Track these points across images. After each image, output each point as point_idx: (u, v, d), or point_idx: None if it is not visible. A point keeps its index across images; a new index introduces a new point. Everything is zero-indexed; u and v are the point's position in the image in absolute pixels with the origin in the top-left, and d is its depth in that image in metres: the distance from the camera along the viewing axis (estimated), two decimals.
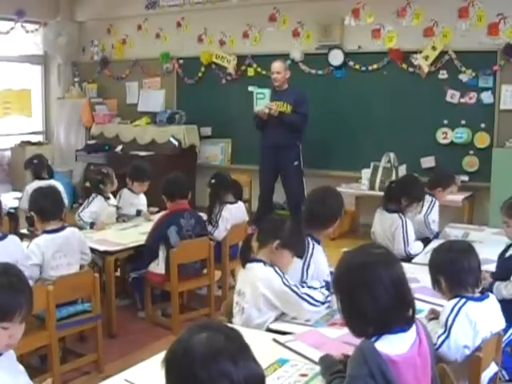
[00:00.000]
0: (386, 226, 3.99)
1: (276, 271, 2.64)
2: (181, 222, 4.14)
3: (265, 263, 2.65)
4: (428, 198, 4.37)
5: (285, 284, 2.61)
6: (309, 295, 2.63)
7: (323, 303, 2.67)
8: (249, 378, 1.26)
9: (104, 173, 4.76)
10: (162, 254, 4.10)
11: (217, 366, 1.25)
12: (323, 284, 2.88)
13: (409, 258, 3.68)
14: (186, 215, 4.20)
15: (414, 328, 1.78)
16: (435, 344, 2.21)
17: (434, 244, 3.87)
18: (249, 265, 2.70)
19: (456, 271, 2.36)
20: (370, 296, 1.71)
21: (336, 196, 3.21)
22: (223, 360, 1.25)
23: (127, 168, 5.05)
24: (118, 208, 4.84)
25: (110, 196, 4.81)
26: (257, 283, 2.61)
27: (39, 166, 5.41)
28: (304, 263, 2.89)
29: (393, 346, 1.71)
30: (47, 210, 3.47)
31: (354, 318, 1.78)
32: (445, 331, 2.28)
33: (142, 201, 5.02)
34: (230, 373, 1.24)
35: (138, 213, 4.88)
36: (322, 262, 2.98)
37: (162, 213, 4.39)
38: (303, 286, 2.71)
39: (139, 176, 4.94)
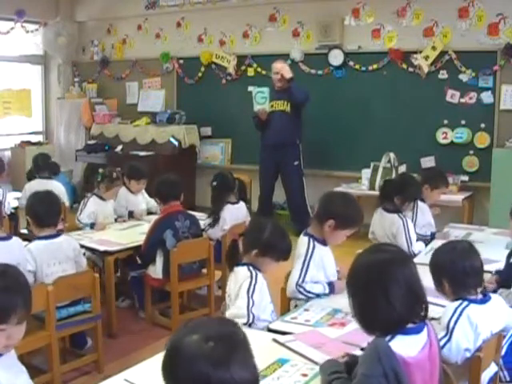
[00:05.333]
0: (385, 226, 3.97)
1: (251, 274, 2.63)
2: (176, 225, 4.12)
3: (248, 266, 2.66)
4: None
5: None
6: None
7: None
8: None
9: (106, 174, 4.70)
10: (158, 258, 4.08)
11: (196, 370, 1.24)
12: (326, 286, 2.88)
13: None
14: (180, 217, 4.18)
15: (425, 330, 1.79)
16: None
17: (434, 244, 3.87)
18: (235, 268, 2.71)
19: (459, 273, 2.32)
20: (385, 294, 1.72)
21: (346, 199, 3.03)
22: (203, 365, 1.24)
23: (125, 168, 5.08)
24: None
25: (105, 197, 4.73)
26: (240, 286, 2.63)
27: (38, 166, 5.42)
28: (303, 264, 2.87)
29: (406, 347, 1.72)
30: (42, 217, 3.44)
31: (366, 315, 1.78)
32: (446, 334, 2.25)
33: (138, 200, 5.00)
34: (207, 377, 1.23)
35: (130, 213, 4.88)
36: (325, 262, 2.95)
37: (156, 217, 4.39)
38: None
39: (135, 175, 4.99)
